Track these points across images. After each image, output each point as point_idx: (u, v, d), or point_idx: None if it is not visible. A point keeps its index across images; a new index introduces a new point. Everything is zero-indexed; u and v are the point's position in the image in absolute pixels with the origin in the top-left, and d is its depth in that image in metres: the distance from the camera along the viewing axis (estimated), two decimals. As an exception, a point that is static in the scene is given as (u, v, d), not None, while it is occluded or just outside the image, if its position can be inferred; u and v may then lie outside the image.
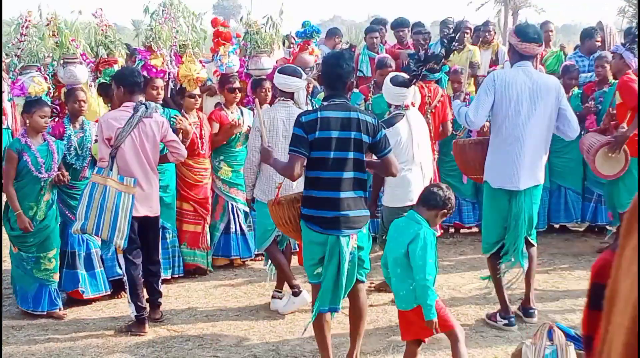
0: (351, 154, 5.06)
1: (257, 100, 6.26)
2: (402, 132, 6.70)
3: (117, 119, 6.22)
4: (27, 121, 6.52)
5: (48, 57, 7.07)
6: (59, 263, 6.77)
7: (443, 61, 7.28)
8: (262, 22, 8.41)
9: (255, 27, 8.39)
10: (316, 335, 5.33)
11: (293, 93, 6.73)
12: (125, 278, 6.34)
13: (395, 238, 4.92)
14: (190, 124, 7.52)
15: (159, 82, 7.32)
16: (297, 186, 5.84)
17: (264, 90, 7.85)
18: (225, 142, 8.02)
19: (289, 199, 5.41)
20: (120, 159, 6.19)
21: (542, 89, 6.02)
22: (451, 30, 8.32)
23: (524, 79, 6.01)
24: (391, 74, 7.19)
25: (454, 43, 6.80)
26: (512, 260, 6.31)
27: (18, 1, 7.07)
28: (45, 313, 6.69)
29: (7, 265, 7.27)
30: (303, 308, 6.71)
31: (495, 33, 11.24)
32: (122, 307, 6.98)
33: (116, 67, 7.19)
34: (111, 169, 6.15)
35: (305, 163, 5.10)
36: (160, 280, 6.61)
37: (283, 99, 6.70)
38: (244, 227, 8.15)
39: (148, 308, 6.43)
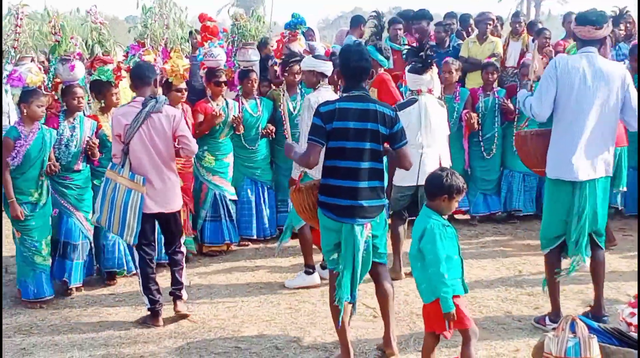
0: (368, 145, 5.16)
1: (283, 87, 6.34)
2: (412, 117, 7.07)
3: (126, 115, 6.24)
4: (25, 111, 6.64)
5: (43, 52, 7.17)
6: (51, 251, 6.99)
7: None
8: (249, 14, 8.65)
9: (242, 20, 8.55)
10: (335, 322, 5.37)
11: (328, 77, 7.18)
12: (138, 271, 6.40)
13: (413, 234, 4.92)
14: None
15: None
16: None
17: (250, 81, 8.44)
18: (208, 132, 8.23)
19: (308, 186, 5.57)
20: (132, 156, 6.21)
21: (605, 76, 5.71)
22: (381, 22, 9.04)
23: (586, 65, 5.73)
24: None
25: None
26: (574, 258, 5.92)
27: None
28: (45, 299, 6.88)
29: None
30: (325, 300, 6.74)
31: (525, 24, 11.12)
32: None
33: (110, 66, 7.30)
34: (122, 166, 6.19)
35: (322, 152, 5.22)
36: (182, 270, 6.60)
37: (325, 85, 7.13)
38: (232, 213, 8.39)
39: (161, 301, 6.42)
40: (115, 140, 6.28)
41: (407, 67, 7.43)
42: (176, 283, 6.53)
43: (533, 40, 10.25)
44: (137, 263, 6.41)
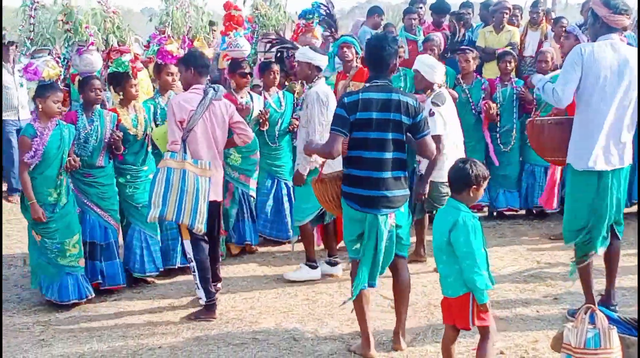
0: (390, 135, 5.18)
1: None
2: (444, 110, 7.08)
3: (189, 101, 6.14)
4: (40, 106, 6.37)
5: (59, 43, 6.98)
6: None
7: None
8: (268, 3, 8.47)
9: (263, 10, 8.39)
10: (356, 310, 5.42)
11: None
12: (193, 264, 6.24)
13: (437, 226, 4.86)
14: None
15: (174, 69, 7.18)
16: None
17: (272, 73, 8.04)
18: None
19: (332, 177, 5.59)
20: (192, 143, 6.11)
21: (629, 64, 5.61)
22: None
23: (612, 53, 5.61)
24: None
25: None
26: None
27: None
28: (72, 302, 6.57)
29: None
30: (342, 291, 6.74)
31: (544, 14, 11.01)
32: (162, 289, 7.09)
33: (127, 57, 6.96)
34: (185, 153, 6.07)
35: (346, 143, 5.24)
36: (219, 266, 6.60)
37: (321, 77, 7.08)
38: (254, 213, 8.11)
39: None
40: (175, 126, 6.09)
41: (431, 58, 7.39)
42: (216, 278, 6.52)
43: (554, 27, 10.19)
44: (192, 256, 6.23)
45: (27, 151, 6.33)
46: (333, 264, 7.33)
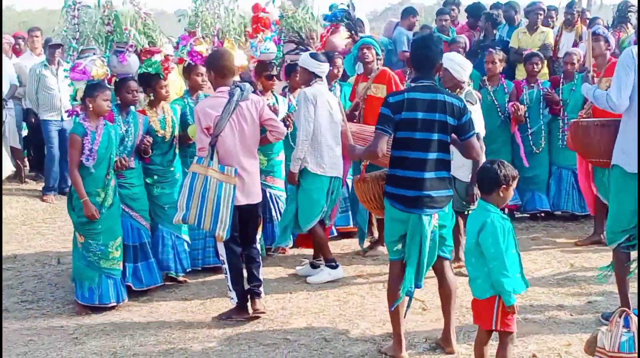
0: (435, 136, 5.17)
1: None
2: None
3: (214, 107, 6.05)
4: (90, 105, 6.35)
5: (100, 44, 6.99)
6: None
7: None
8: (297, 6, 8.49)
9: (290, 12, 8.40)
10: (390, 311, 5.40)
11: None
12: (225, 266, 6.22)
13: (468, 228, 4.86)
14: None
15: (203, 69, 7.15)
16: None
17: (297, 75, 7.92)
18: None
19: (374, 176, 5.63)
20: (221, 147, 6.03)
21: None
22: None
23: None
24: None
25: None
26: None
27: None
28: (111, 305, 6.58)
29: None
30: (374, 293, 6.72)
31: (579, 14, 10.91)
32: (194, 289, 7.13)
33: (157, 57, 6.98)
34: (211, 159, 6.00)
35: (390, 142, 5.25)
36: (260, 267, 6.40)
37: (320, 81, 7.20)
38: (278, 216, 8.03)
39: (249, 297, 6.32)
40: (202, 133, 6.06)
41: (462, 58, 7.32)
42: (255, 280, 6.34)
43: (589, 27, 10.09)
44: (225, 258, 6.20)
45: (77, 149, 6.34)
46: (316, 266, 7.39)
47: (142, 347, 5.75)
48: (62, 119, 10.90)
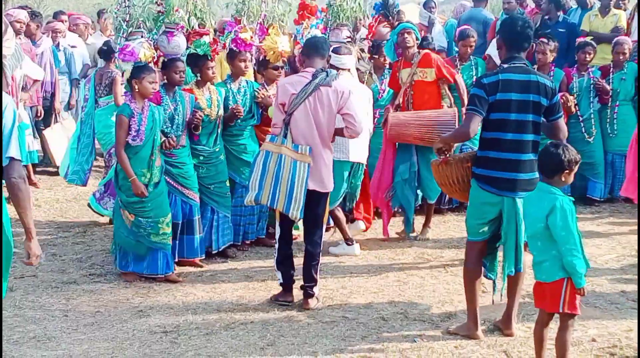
0: (530, 117, 5.17)
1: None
2: None
3: (294, 84, 6.00)
4: (136, 87, 6.49)
5: (151, 25, 7.11)
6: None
7: None
8: None
9: (338, 1, 8.41)
10: (466, 290, 5.46)
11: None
12: (276, 245, 6.25)
13: (530, 213, 4.80)
14: (270, 97, 7.47)
15: (247, 56, 7.37)
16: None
17: None
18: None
19: (458, 159, 5.55)
20: (294, 127, 5.94)
21: None
22: None
23: None
24: None
25: None
26: None
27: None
28: (162, 276, 6.78)
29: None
30: (433, 274, 6.74)
31: None
32: (256, 266, 7.25)
33: (206, 39, 7.09)
34: (285, 137, 5.93)
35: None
36: (318, 265, 6.21)
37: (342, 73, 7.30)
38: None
39: (295, 278, 6.28)
40: (277, 109, 6.04)
41: None
42: (310, 279, 6.16)
43: None
44: (277, 238, 6.22)
45: (124, 129, 6.50)
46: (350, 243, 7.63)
47: (204, 322, 5.88)
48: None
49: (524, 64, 5.27)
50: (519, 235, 5.22)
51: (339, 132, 6.18)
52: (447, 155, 5.51)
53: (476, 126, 5.17)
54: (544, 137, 5.27)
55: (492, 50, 6.78)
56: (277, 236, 6.27)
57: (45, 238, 8.06)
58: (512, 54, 5.28)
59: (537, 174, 5.18)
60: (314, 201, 6.06)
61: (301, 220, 6.17)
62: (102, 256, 7.53)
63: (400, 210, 8.24)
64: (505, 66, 5.26)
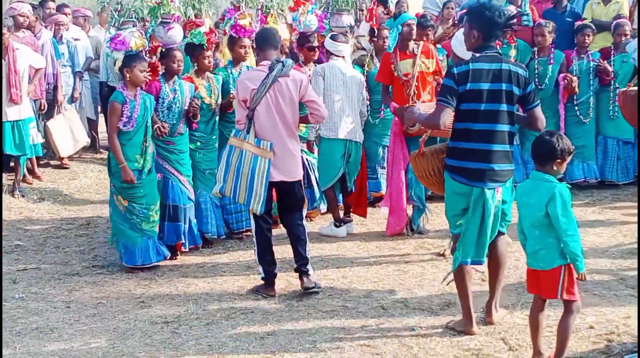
0: (503, 107, 5.06)
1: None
2: None
3: (252, 79, 6.08)
4: (128, 75, 6.64)
5: (140, 19, 7.22)
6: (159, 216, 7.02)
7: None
8: None
9: None
10: (457, 285, 5.37)
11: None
12: (254, 239, 6.29)
13: (527, 202, 4.77)
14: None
15: (247, 42, 7.54)
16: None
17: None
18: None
19: (434, 150, 5.48)
20: (257, 121, 6.04)
21: None
22: None
23: None
24: None
25: None
26: None
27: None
28: (152, 264, 6.93)
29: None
30: (434, 263, 6.77)
31: None
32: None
33: (203, 29, 7.25)
34: (248, 133, 6.04)
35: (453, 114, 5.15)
36: (306, 245, 6.31)
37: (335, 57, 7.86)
38: (317, 180, 8.18)
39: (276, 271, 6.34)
40: (240, 106, 6.12)
41: None
42: (301, 258, 6.25)
43: None
44: (253, 232, 6.28)
45: (117, 115, 6.65)
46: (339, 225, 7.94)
47: (204, 311, 5.93)
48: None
49: (497, 52, 5.16)
50: (483, 226, 5.14)
51: (304, 119, 6.39)
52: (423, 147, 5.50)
53: (447, 117, 5.06)
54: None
55: (457, 44, 6.62)
56: (253, 232, 6.31)
57: (49, 230, 8.13)
58: (484, 43, 5.15)
59: (510, 166, 5.17)
60: (284, 191, 6.26)
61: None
62: (104, 249, 7.59)
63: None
64: (477, 55, 5.14)
